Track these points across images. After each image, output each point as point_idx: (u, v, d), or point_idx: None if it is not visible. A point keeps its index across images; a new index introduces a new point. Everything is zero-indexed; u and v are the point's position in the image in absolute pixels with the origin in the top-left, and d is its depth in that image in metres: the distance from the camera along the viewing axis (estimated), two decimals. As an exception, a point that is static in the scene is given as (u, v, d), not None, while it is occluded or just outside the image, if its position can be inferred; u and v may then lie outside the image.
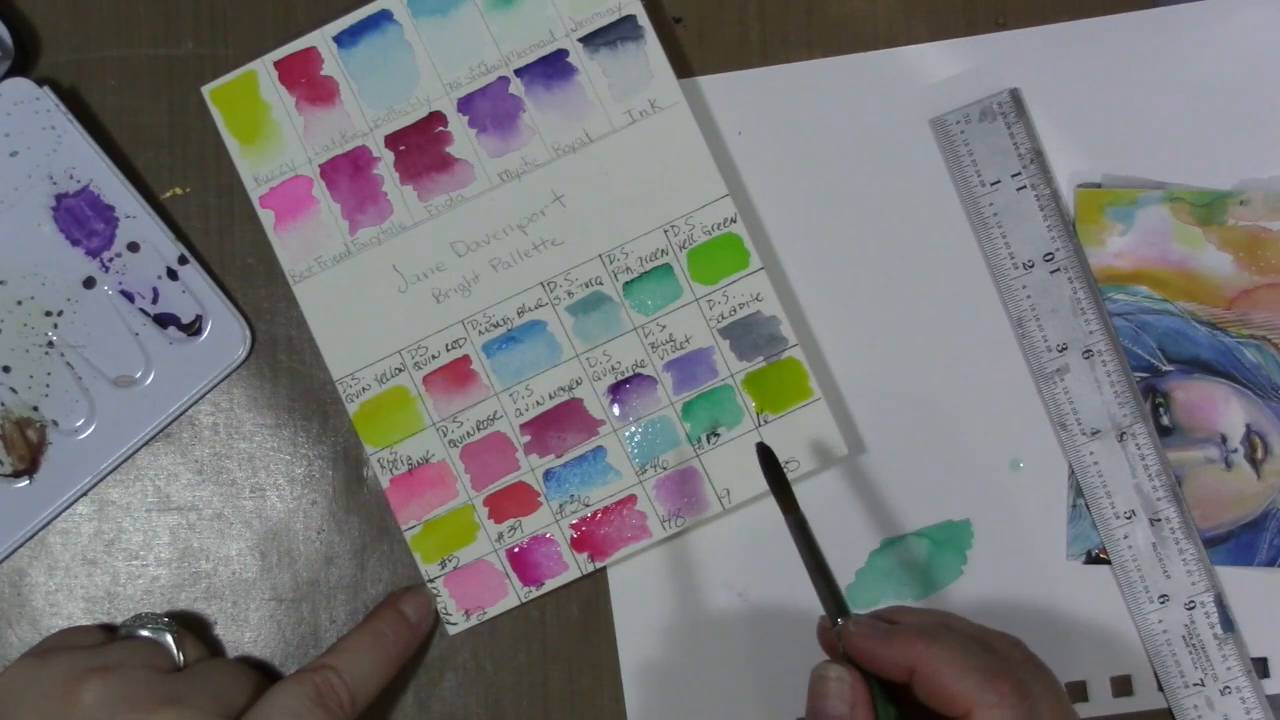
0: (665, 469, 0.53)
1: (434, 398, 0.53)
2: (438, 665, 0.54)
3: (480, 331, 0.53)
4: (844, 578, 0.53)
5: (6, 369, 0.52)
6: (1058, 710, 0.42)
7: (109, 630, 0.52)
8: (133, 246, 0.53)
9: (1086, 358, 0.53)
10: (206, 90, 0.53)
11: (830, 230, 0.54)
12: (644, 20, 0.52)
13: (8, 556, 0.53)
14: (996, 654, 0.43)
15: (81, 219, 0.52)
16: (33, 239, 0.52)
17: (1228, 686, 0.52)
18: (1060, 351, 0.53)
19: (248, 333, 0.54)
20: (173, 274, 0.53)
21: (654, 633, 0.53)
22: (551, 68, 0.53)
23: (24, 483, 0.53)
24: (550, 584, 0.53)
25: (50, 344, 0.52)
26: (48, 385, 0.52)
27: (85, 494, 0.53)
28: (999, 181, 0.53)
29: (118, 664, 0.47)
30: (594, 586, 0.54)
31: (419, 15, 0.53)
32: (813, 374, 0.52)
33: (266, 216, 0.53)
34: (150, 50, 0.54)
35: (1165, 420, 0.53)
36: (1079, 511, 0.53)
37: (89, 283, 0.53)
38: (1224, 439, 0.53)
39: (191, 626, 0.52)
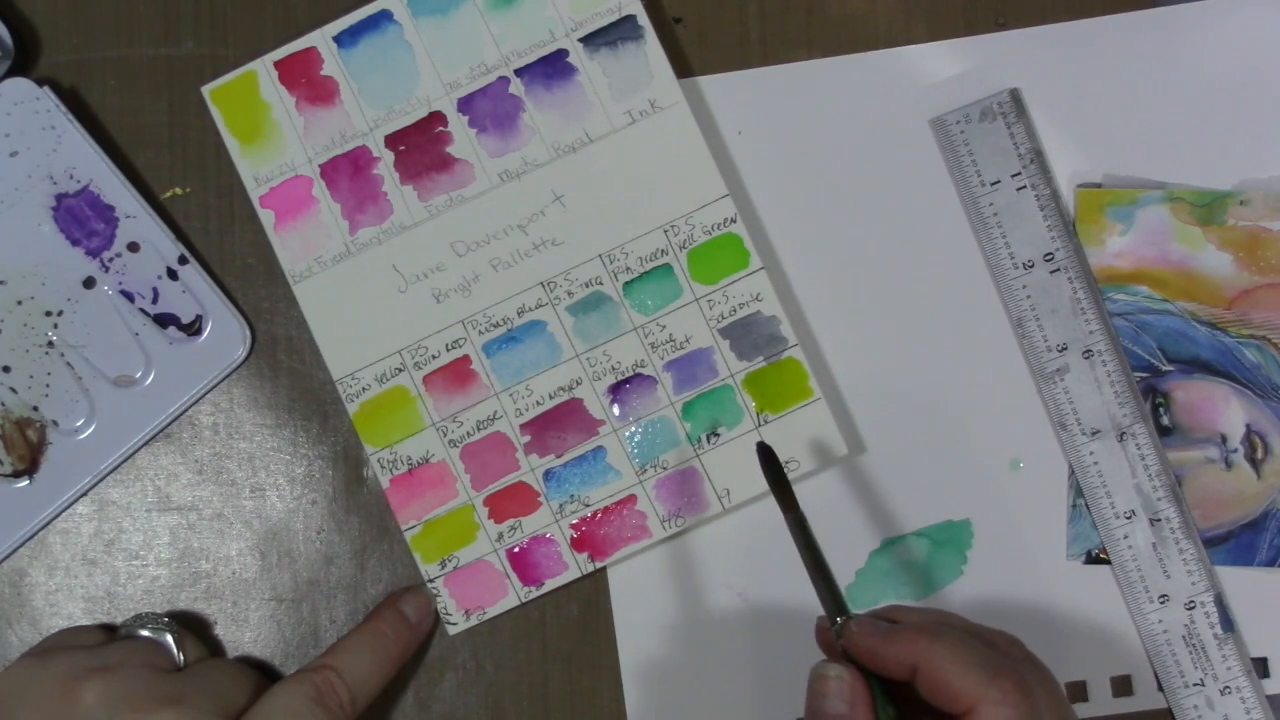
0: (665, 469, 0.53)
1: (434, 398, 0.53)
2: (438, 665, 0.54)
3: (480, 331, 0.53)
4: (844, 578, 0.53)
5: (6, 369, 0.52)
6: (1057, 709, 0.42)
7: (109, 630, 0.52)
8: (133, 246, 0.53)
9: (1086, 358, 0.53)
10: (206, 90, 0.53)
11: (830, 230, 0.54)
12: (644, 20, 0.52)
13: (8, 556, 0.53)
14: (998, 651, 0.43)
15: (81, 219, 0.52)
16: (33, 239, 0.52)
17: (1228, 686, 0.52)
18: (1060, 351, 0.53)
19: (248, 333, 0.54)
20: (173, 274, 0.53)
21: (654, 633, 0.53)
22: (551, 68, 0.53)
23: (24, 483, 0.53)
24: (550, 584, 0.53)
25: (50, 344, 0.52)
26: (48, 385, 0.52)
27: (85, 494, 0.53)
28: (999, 181, 0.53)
29: (118, 664, 0.47)
30: (594, 586, 0.54)
31: (419, 15, 0.53)
32: (813, 374, 0.52)
33: (266, 216, 0.53)
34: (150, 50, 0.54)
35: (1165, 420, 0.53)
36: (1079, 511, 0.53)
37: (89, 283, 0.53)
38: (1224, 439, 0.53)
39: (191, 626, 0.52)
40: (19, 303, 0.52)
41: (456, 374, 0.53)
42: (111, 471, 0.53)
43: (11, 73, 0.53)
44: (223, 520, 0.54)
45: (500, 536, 0.53)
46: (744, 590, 0.53)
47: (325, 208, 0.53)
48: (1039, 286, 0.53)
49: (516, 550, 0.53)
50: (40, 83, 0.52)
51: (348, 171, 0.53)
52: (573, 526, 0.53)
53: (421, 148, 0.53)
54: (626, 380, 0.53)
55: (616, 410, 0.53)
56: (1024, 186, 0.53)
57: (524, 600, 0.53)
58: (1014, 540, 0.54)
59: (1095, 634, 0.53)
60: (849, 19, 0.54)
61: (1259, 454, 0.53)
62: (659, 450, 0.53)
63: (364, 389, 0.53)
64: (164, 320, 0.53)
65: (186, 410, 0.54)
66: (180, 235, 0.53)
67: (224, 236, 0.54)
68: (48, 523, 0.53)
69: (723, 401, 0.53)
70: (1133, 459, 0.53)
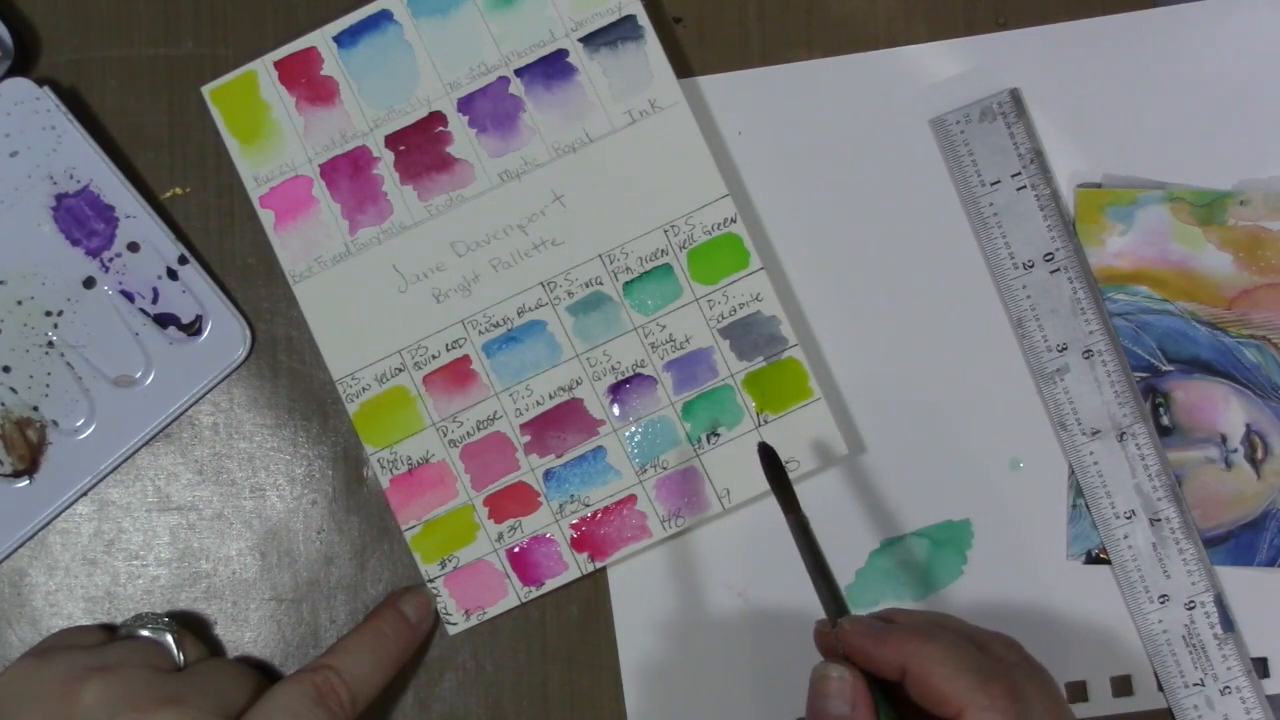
0: (665, 469, 0.53)
1: (434, 398, 0.53)
2: (438, 665, 0.54)
3: (480, 331, 0.53)
4: (844, 578, 0.53)
5: (6, 369, 0.52)
6: (1053, 711, 0.42)
7: (109, 630, 0.52)
8: (133, 246, 0.53)
9: (1086, 358, 0.53)
10: (206, 90, 0.53)
11: (830, 230, 0.54)
12: (644, 20, 0.52)
13: (8, 556, 0.53)
14: (991, 655, 0.43)
15: (81, 219, 0.52)
16: (33, 239, 0.52)
17: (1228, 686, 0.52)
18: (1060, 351, 0.53)
19: (248, 333, 0.54)
20: (173, 274, 0.53)
21: (654, 633, 0.53)
22: (551, 68, 0.53)
23: (24, 483, 0.53)
24: (550, 584, 0.53)
25: (50, 344, 0.52)
26: (48, 385, 0.52)
27: (85, 494, 0.53)
28: (999, 181, 0.53)
29: (118, 664, 0.47)
30: (594, 586, 0.54)
31: (419, 15, 0.53)
32: (813, 374, 0.52)
33: (266, 216, 0.53)
34: (150, 50, 0.54)
35: (1165, 420, 0.53)
36: (1079, 511, 0.53)
37: (89, 283, 0.53)
38: (1224, 439, 0.53)
39: (191, 626, 0.52)
40: (19, 303, 0.52)
41: (456, 374, 0.53)
42: (111, 471, 0.53)
43: (11, 73, 0.53)
44: (223, 520, 0.54)
45: (500, 536, 0.53)
46: (744, 590, 0.53)
47: (325, 208, 0.53)
48: (1039, 286, 0.53)
49: (516, 550, 0.53)
50: (40, 83, 0.52)
51: (348, 171, 0.53)
52: (573, 526, 0.53)
53: (421, 148, 0.53)
54: (626, 380, 0.53)
55: (616, 410, 0.53)
56: (1024, 186, 0.53)
57: (524, 600, 0.53)
58: (1014, 540, 0.54)
59: (1095, 634, 0.53)
60: (849, 19, 0.54)
61: (1259, 454, 0.53)
62: (659, 450, 0.53)
63: (364, 389, 0.53)
64: (164, 320, 0.53)
65: (186, 410, 0.54)
66: (180, 235, 0.53)
67: (224, 236, 0.54)
68: (48, 523, 0.53)
69: (723, 401, 0.53)
70: (1133, 459, 0.53)
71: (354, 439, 0.53)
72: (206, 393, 0.54)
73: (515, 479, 0.53)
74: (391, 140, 0.53)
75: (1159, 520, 0.53)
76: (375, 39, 0.53)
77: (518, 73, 0.53)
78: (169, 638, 0.50)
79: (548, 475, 0.53)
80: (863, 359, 0.54)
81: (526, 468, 0.53)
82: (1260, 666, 0.53)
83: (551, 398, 0.53)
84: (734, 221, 0.52)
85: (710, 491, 0.52)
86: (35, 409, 0.52)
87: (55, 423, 0.52)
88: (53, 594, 0.53)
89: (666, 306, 0.53)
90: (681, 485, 0.52)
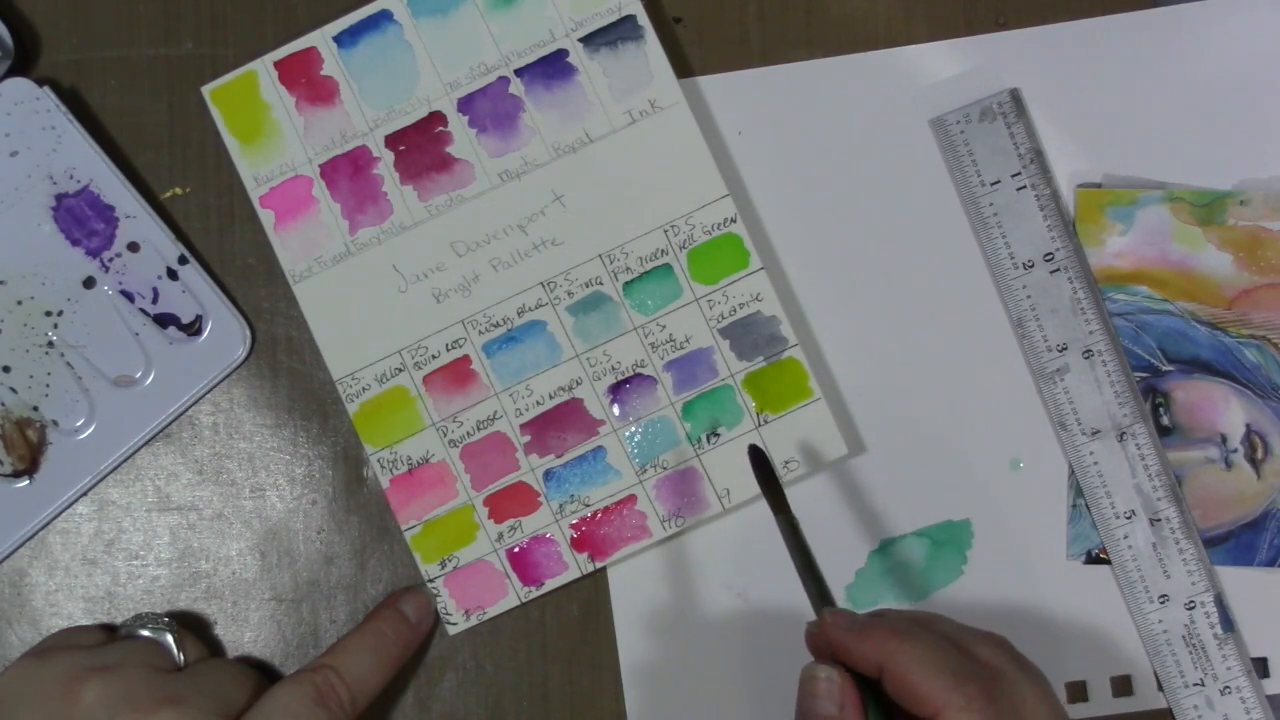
0: (665, 469, 0.53)
1: (434, 398, 0.53)
2: (438, 665, 0.54)
3: (480, 331, 0.53)
4: (844, 578, 0.53)
5: (6, 369, 0.52)
6: (1040, 710, 0.41)
7: (109, 630, 0.52)
8: (133, 246, 0.53)
9: (1086, 358, 0.53)
10: (206, 90, 0.53)
11: (830, 230, 0.54)
12: (644, 20, 0.52)
13: (8, 556, 0.53)
14: (973, 656, 0.42)
15: (81, 219, 0.52)
16: (33, 239, 0.52)
17: (1228, 686, 0.52)
18: (1060, 351, 0.53)
19: (248, 333, 0.54)
20: (173, 274, 0.53)
21: (654, 633, 0.53)
22: (551, 68, 0.53)
23: (24, 483, 0.53)
24: (550, 584, 0.53)
25: (50, 344, 0.52)
26: (48, 385, 0.52)
27: (85, 494, 0.53)
28: (999, 181, 0.53)
29: (118, 664, 0.47)
30: (594, 586, 0.54)
31: (419, 15, 0.53)
32: (813, 374, 0.52)
33: (266, 216, 0.53)
34: (150, 50, 0.54)
35: (1165, 420, 0.53)
36: (1079, 511, 0.53)
37: (89, 283, 0.53)
38: (1224, 439, 0.53)
39: (191, 626, 0.52)
40: (19, 303, 0.52)
41: (456, 374, 0.53)
42: (111, 471, 0.53)
43: (11, 73, 0.53)
44: (223, 520, 0.54)
45: (500, 536, 0.53)
46: (744, 591, 0.53)
47: (325, 208, 0.53)
48: (1039, 286, 0.53)
49: (516, 550, 0.53)
50: (40, 83, 0.52)
51: (348, 171, 0.53)
52: (573, 526, 0.53)
53: (421, 148, 0.53)
54: (626, 380, 0.53)
55: (616, 410, 0.53)
56: (1024, 186, 0.53)
57: (524, 600, 0.53)
58: (1014, 540, 0.54)
59: (1095, 634, 0.53)
60: (849, 19, 0.54)
61: (1259, 454, 0.53)
62: (659, 450, 0.53)
63: (364, 389, 0.53)
64: (164, 320, 0.53)
65: (186, 410, 0.54)
66: (180, 235, 0.53)
67: (224, 236, 0.54)
68: (48, 523, 0.53)
69: (723, 401, 0.53)
70: (1133, 459, 0.53)
71: (354, 439, 0.53)
72: (206, 393, 0.54)
73: (515, 479, 0.53)
74: (391, 140, 0.53)
75: (1159, 520, 0.53)
76: (375, 39, 0.53)
77: (518, 73, 0.53)
78: (169, 638, 0.50)
79: (548, 475, 0.53)
80: (863, 359, 0.54)
81: (526, 468, 0.53)
82: (1260, 666, 0.53)
83: (551, 398, 0.53)
84: (734, 221, 0.52)
85: (710, 491, 0.52)
86: (35, 409, 0.52)
87: (55, 423, 0.52)
88: (53, 594, 0.53)
89: (666, 306, 0.53)
90: (681, 485, 0.52)
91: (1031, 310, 0.53)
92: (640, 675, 0.53)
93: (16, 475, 0.53)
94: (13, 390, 0.52)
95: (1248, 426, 0.53)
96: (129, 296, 0.53)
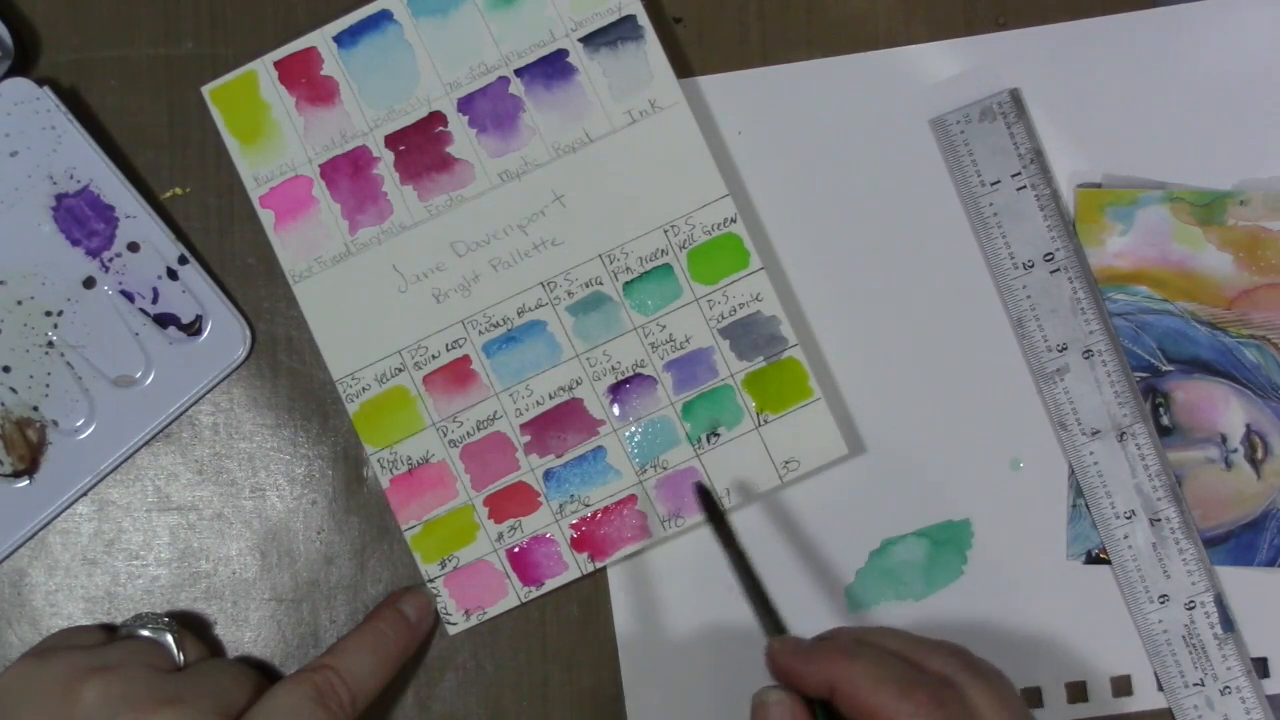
0: (665, 469, 0.53)
1: (434, 398, 0.53)
2: (438, 665, 0.54)
3: (480, 331, 0.53)
4: (844, 577, 0.53)
5: (6, 369, 0.52)
6: (1001, 715, 0.41)
7: (109, 630, 0.52)
8: (133, 246, 0.53)
9: (1086, 358, 0.53)
10: (206, 90, 0.53)
11: (830, 230, 0.54)
12: (644, 20, 0.52)
13: (8, 556, 0.53)
14: (923, 666, 0.43)
15: (81, 219, 0.52)
16: (33, 239, 0.52)
17: (1228, 686, 0.52)
18: (1060, 351, 0.53)
19: (248, 333, 0.54)
20: (173, 274, 0.53)
21: (654, 633, 0.53)
22: (551, 68, 0.53)
23: (24, 483, 0.53)
24: (550, 584, 0.53)
25: (50, 344, 0.52)
26: (48, 385, 0.52)
27: (85, 494, 0.53)
28: (999, 181, 0.53)
29: (118, 664, 0.47)
30: (594, 586, 0.54)
31: (419, 15, 0.53)
32: (813, 374, 0.52)
33: (266, 216, 0.53)
34: (150, 50, 0.54)
35: (1165, 420, 0.53)
36: (1079, 511, 0.53)
37: (89, 283, 0.53)
38: (1224, 439, 0.53)
39: (191, 626, 0.52)
40: (19, 303, 0.52)
41: (456, 374, 0.53)
42: (111, 471, 0.53)
43: (11, 73, 0.53)
44: (223, 520, 0.54)
45: (500, 536, 0.53)
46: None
47: (325, 208, 0.53)
48: (1039, 286, 0.53)
49: (516, 550, 0.53)
50: (40, 83, 0.52)
51: (348, 171, 0.53)
52: (573, 526, 0.53)
53: (421, 148, 0.53)
54: (626, 380, 0.53)
55: (616, 410, 0.53)
56: (1024, 186, 0.53)
57: (524, 600, 0.53)
58: (1014, 540, 0.54)
59: (1095, 634, 0.53)
60: (849, 19, 0.54)
61: (1259, 454, 0.53)
62: (659, 450, 0.53)
63: (364, 389, 0.53)
64: (164, 320, 0.53)
65: (186, 410, 0.54)
66: (180, 235, 0.53)
67: (224, 236, 0.54)
68: (48, 523, 0.53)
69: (723, 401, 0.53)
70: (1133, 459, 0.53)
71: (354, 439, 0.53)
72: (206, 393, 0.54)
73: (515, 479, 0.53)
74: (391, 140, 0.53)
75: (1159, 520, 0.53)
76: (375, 39, 0.53)
77: (518, 73, 0.53)
78: (169, 638, 0.50)
79: (548, 475, 0.53)
80: (863, 359, 0.54)
81: (526, 468, 0.53)
82: (1260, 666, 0.53)
83: (551, 398, 0.53)
84: (734, 221, 0.52)
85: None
86: (35, 409, 0.52)
87: (55, 423, 0.52)
88: (53, 594, 0.53)
89: (666, 306, 0.53)
90: (681, 485, 0.52)
91: (1031, 310, 0.53)
92: (640, 675, 0.53)
93: (16, 475, 0.53)
94: (13, 390, 0.52)
95: (1248, 426, 0.53)
96: (129, 296, 0.53)
